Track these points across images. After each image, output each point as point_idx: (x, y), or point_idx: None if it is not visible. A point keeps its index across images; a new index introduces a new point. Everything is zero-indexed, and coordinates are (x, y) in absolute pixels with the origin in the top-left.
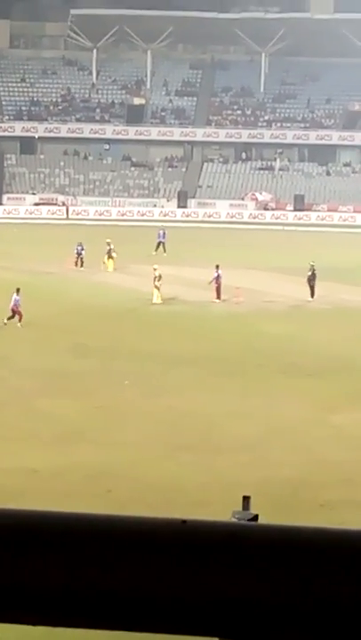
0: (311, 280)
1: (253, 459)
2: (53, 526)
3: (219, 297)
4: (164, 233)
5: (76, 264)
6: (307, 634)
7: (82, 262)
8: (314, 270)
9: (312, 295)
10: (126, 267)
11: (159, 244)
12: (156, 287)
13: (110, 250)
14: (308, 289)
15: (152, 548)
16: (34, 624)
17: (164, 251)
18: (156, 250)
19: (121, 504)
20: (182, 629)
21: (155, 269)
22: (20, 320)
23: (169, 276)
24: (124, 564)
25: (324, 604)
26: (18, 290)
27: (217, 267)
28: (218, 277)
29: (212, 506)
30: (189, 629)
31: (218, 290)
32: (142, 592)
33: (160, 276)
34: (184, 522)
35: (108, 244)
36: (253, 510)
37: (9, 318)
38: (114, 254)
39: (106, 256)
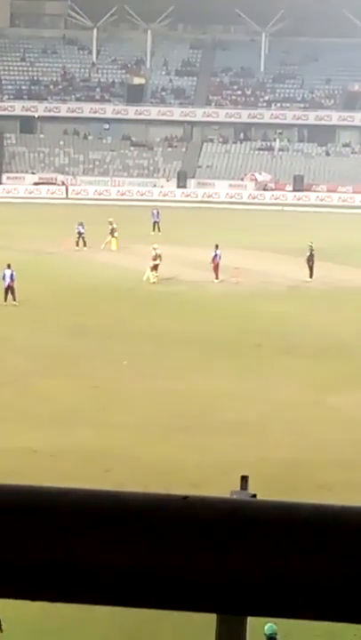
0: (310, 260)
1: (251, 439)
2: (54, 502)
3: (217, 277)
4: (158, 212)
5: (77, 244)
6: (307, 609)
7: (84, 242)
8: (312, 251)
9: (311, 276)
10: (126, 247)
11: (155, 223)
12: (152, 267)
13: (113, 229)
14: (307, 270)
15: (153, 524)
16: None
17: (159, 230)
18: (154, 230)
19: (119, 484)
20: (181, 605)
21: (154, 249)
22: (14, 298)
23: (167, 256)
24: (126, 540)
25: (324, 580)
26: (9, 265)
27: (216, 246)
28: (215, 257)
29: (210, 486)
30: (188, 605)
31: (216, 269)
32: (143, 567)
33: (159, 256)
34: (185, 498)
35: (111, 222)
36: (251, 491)
37: (6, 296)
38: (116, 234)
39: (109, 236)
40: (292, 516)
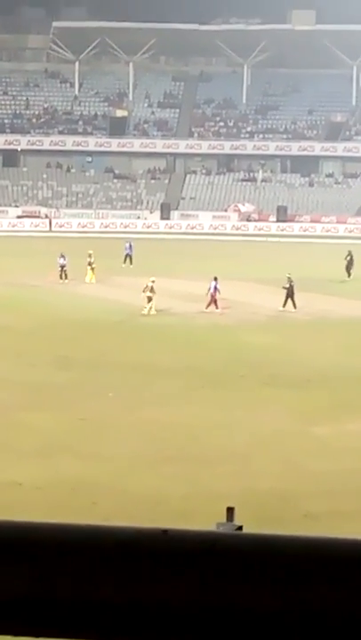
0: (290, 292)
1: (237, 470)
2: (35, 537)
3: (217, 307)
4: (131, 245)
5: (61, 277)
6: None
7: (65, 275)
8: (291, 282)
9: (294, 306)
10: (109, 279)
11: (127, 256)
12: (147, 299)
13: (91, 262)
14: (288, 300)
15: (132, 558)
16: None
17: (131, 262)
18: (125, 262)
19: (106, 516)
20: (163, 638)
21: (152, 282)
22: None
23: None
24: (105, 574)
25: (308, 613)
26: None
27: (215, 278)
28: (212, 288)
29: (196, 517)
30: (170, 638)
31: (214, 301)
32: (123, 600)
33: (150, 288)
34: (165, 531)
35: (90, 255)
36: (237, 522)
37: None
38: (94, 266)
39: (88, 267)
40: (273, 550)
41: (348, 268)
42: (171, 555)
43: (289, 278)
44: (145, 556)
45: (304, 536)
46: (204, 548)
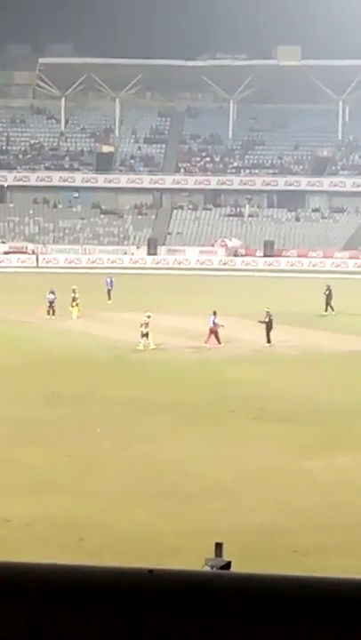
0: (268, 326)
1: (226, 506)
2: (22, 577)
3: (218, 341)
4: (112, 281)
5: (48, 312)
6: None
7: (53, 311)
8: (270, 316)
9: (268, 341)
10: (97, 314)
11: (108, 291)
12: (142, 334)
13: (74, 297)
14: (274, 334)
15: (118, 599)
16: None
17: (109, 298)
18: (110, 299)
19: (94, 552)
20: None
21: (148, 317)
22: None
23: (139, 323)
24: (91, 614)
25: None
26: None
27: (214, 313)
28: (212, 322)
29: (186, 553)
30: None
31: (214, 335)
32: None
33: (145, 324)
34: (150, 571)
35: (74, 291)
36: (226, 557)
37: None
38: (78, 301)
39: (73, 303)
40: (260, 590)
41: (328, 302)
42: (157, 595)
43: (268, 312)
44: (131, 597)
45: (293, 575)
46: (191, 588)
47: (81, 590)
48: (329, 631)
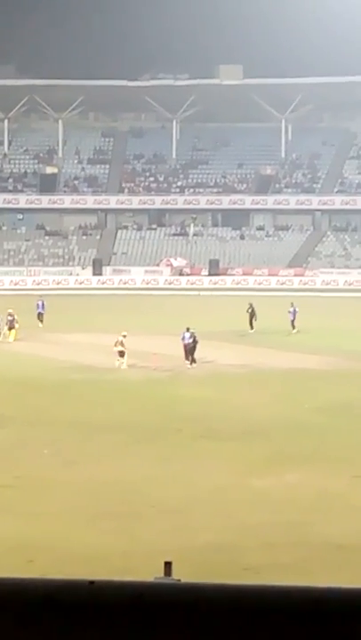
0: (188, 345)
1: (176, 525)
2: None
3: (192, 360)
4: (43, 304)
5: None
6: None
7: None
8: (195, 337)
9: (186, 358)
10: (40, 335)
11: (39, 315)
12: (118, 353)
13: (13, 320)
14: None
15: (58, 610)
16: None
17: (41, 322)
18: (42, 322)
19: (44, 574)
20: None
21: (124, 336)
22: None
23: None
24: (30, 626)
25: None
26: None
27: (187, 329)
28: (185, 338)
29: (134, 573)
30: None
31: (188, 351)
32: None
33: (121, 343)
34: (92, 582)
35: (10, 314)
36: (176, 576)
37: None
38: (16, 324)
39: (6, 326)
40: (203, 599)
41: (251, 320)
42: (99, 606)
43: (190, 331)
44: (72, 608)
45: (235, 584)
46: (133, 599)
47: (20, 602)
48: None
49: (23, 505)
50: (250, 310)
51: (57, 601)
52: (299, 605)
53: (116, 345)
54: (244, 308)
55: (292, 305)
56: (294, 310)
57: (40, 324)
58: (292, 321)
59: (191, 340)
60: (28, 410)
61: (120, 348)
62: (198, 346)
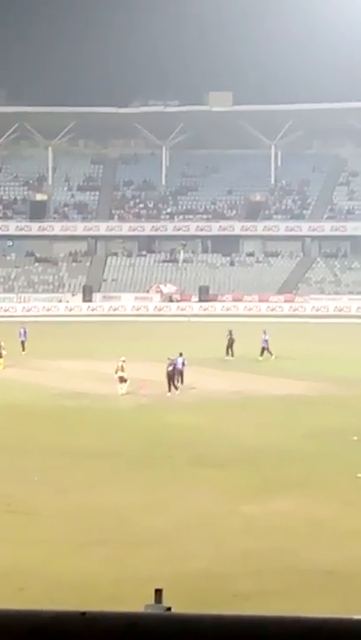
0: (171, 373)
1: (166, 552)
2: None
3: (178, 382)
4: (25, 331)
5: None
6: None
7: None
8: (173, 362)
9: (175, 384)
10: (30, 362)
11: (22, 342)
12: (119, 379)
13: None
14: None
15: None
16: None
17: (23, 349)
18: (24, 350)
19: (34, 602)
20: None
21: (123, 361)
22: None
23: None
24: None
25: None
26: None
27: (180, 354)
28: (177, 364)
29: (125, 600)
30: None
31: (178, 376)
32: None
33: (121, 368)
34: (83, 614)
35: None
36: (166, 603)
37: None
38: (3, 351)
39: None
40: (197, 630)
41: (229, 347)
42: (90, 637)
43: (170, 359)
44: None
45: (228, 615)
46: (126, 629)
47: (10, 634)
48: None
49: (14, 532)
50: (229, 337)
51: (48, 632)
52: (293, 636)
53: (116, 372)
54: (235, 333)
55: (264, 333)
56: (266, 338)
57: (23, 352)
58: (267, 348)
59: (172, 368)
60: (18, 437)
61: (121, 374)
62: (186, 371)
